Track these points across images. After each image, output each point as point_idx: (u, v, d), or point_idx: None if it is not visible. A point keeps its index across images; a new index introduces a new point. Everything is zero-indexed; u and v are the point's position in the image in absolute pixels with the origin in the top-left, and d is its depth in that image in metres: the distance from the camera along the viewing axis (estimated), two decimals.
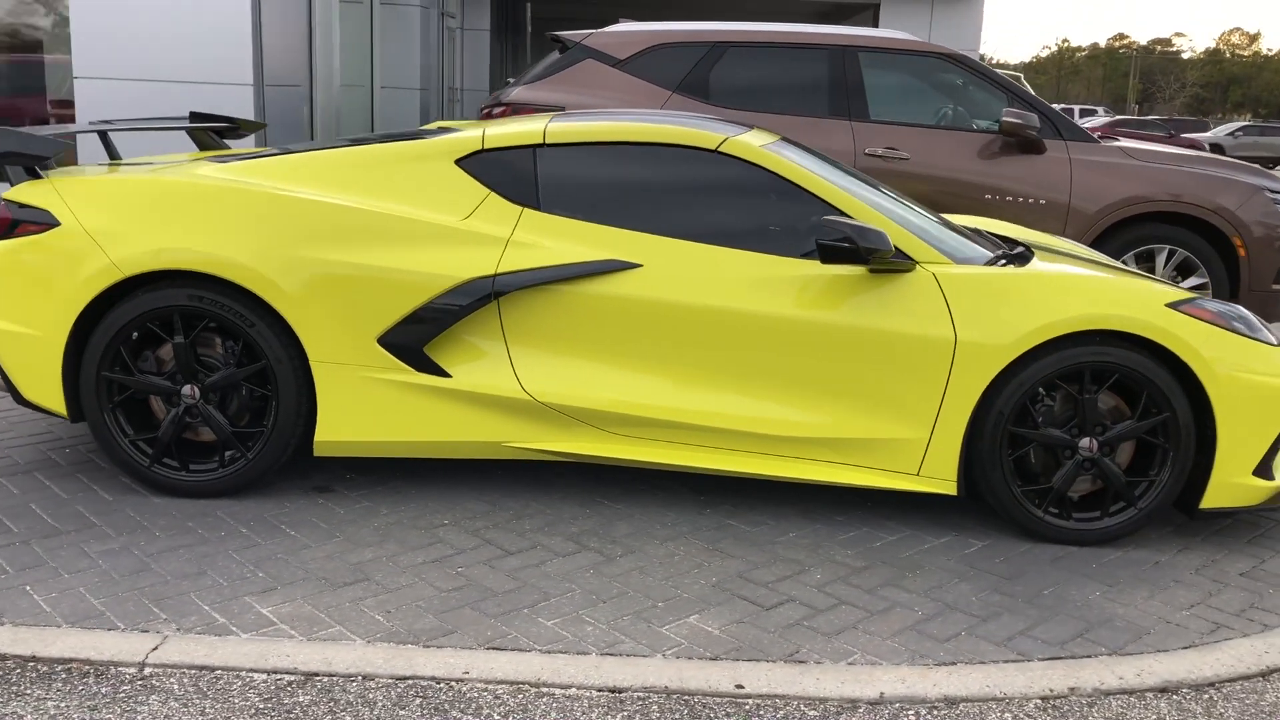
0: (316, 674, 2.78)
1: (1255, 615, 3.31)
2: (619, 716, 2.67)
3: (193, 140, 5.21)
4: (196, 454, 3.86)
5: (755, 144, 3.93)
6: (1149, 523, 3.75)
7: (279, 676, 2.77)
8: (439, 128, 4.49)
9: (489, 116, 6.69)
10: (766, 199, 3.87)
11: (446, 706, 2.67)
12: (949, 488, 3.73)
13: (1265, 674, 3.00)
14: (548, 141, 3.93)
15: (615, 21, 7.04)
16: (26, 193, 3.78)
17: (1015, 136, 6.27)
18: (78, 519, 3.63)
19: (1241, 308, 3.90)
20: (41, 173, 3.85)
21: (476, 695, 2.72)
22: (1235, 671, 2.98)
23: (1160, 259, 6.35)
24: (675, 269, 3.73)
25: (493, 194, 3.85)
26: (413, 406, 3.75)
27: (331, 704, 2.66)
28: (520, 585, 3.29)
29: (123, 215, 3.70)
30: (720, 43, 6.59)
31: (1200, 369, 3.59)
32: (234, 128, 5.30)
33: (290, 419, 3.74)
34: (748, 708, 2.73)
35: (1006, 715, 2.74)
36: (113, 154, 4.59)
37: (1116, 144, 6.49)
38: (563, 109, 6.49)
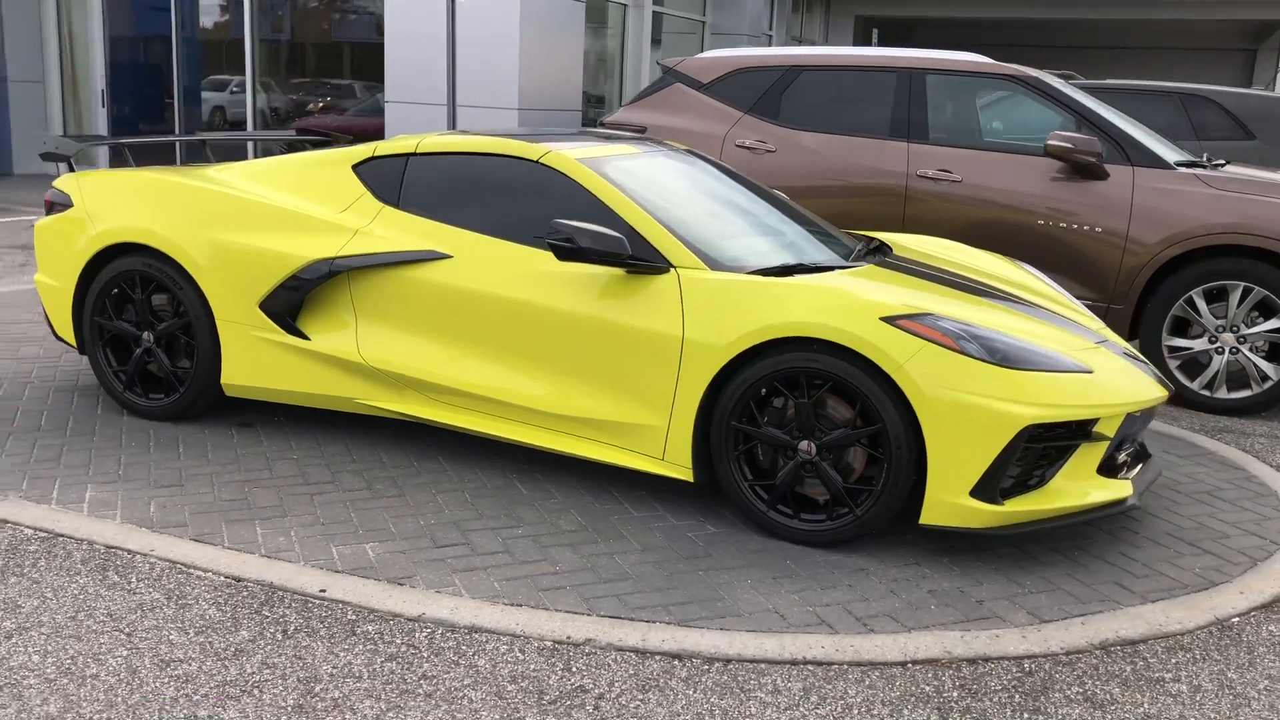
0: (60, 535, 3.76)
1: (878, 623, 3.37)
2: (214, 593, 3.39)
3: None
4: (157, 386, 5.00)
5: (572, 156, 4.43)
6: (871, 531, 3.82)
7: (36, 531, 3.77)
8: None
9: None
10: (574, 205, 4.35)
11: (105, 566, 3.53)
12: (686, 474, 4.03)
13: (795, 663, 3.13)
14: (418, 151, 4.68)
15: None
16: (63, 182, 5.12)
17: (1064, 160, 6.04)
18: (62, 424, 4.88)
19: (996, 331, 3.81)
20: (75, 167, 5.20)
21: (135, 562, 3.56)
22: (760, 655, 3.13)
23: (1234, 297, 5.83)
24: (480, 261, 4.34)
25: (368, 193, 4.66)
26: (285, 362, 4.64)
27: (45, 553, 3.62)
28: (278, 505, 4.08)
29: (110, 201, 4.92)
30: (795, 66, 6.89)
31: (904, 383, 3.64)
32: (328, 141, 6.48)
33: (207, 363, 4.78)
34: (311, 605, 3.35)
35: (503, 647, 3.15)
36: (204, 160, 5.93)
37: (1194, 171, 6.02)
38: (644, 129, 7.11)
